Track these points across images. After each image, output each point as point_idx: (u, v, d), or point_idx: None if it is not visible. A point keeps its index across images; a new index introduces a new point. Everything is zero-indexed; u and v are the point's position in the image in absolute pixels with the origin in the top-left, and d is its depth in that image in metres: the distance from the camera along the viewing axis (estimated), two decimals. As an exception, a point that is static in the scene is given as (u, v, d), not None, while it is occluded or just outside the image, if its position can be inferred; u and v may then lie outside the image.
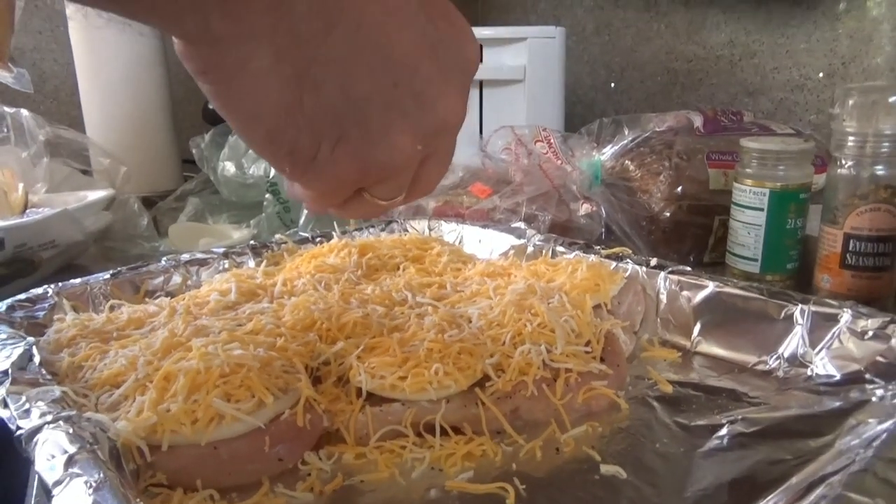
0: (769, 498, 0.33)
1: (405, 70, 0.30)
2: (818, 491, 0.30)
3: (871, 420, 0.39)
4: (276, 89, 0.29)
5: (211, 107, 1.10)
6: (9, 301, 0.53)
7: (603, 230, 0.75)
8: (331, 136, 0.31)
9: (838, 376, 0.46)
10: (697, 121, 0.79)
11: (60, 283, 0.56)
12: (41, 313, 0.53)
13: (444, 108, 0.31)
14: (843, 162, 0.58)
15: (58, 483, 0.30)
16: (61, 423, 0.34)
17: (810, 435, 0.40)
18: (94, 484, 0.29)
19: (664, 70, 1.17)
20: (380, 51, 0.29)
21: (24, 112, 0.90)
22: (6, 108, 0.90)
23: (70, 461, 0.31)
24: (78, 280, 0.58)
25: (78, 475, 0.30)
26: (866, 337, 0.45)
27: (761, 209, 0.63)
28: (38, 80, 1.26)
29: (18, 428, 0.35)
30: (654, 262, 0.58)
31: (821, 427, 0.41)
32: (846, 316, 0.46)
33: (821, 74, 0.97)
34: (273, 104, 0.29)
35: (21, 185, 0.80)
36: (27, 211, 0.77)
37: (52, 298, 0.55)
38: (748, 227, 0.64)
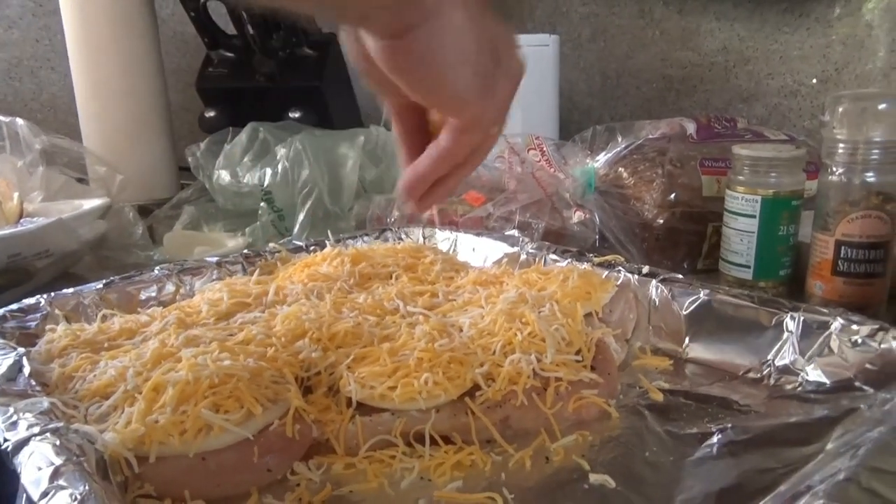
0: (756, 507, 0.33)
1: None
2: (803, 500, 0.30)
3: (859, 428, 0.39)
4: (470, 36, 0.36)
5: (208, 115, 1.11)
6: (1, 311, 0.53)
7: (597, 237, 0.75)
8: (496, 63, 0.38)
9: (828, 384, 0.46)
10: (691, 128, 0.79)
11: (53, 293, 0.57)
12: (33, 323, 0.53)
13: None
14: (834, 169, 0.58)
15: (43, 496, 0.30)
16: (48, 435, 0.34)
17: (800, 443, 0.40)
18: (79, 496, 0.30)
19: (659, 76, 1.17)
20: None
21: (20, 121, 0.90)
22: (2, 118, 0.90)
23: (56, 473, 0.31)
24: (70, 290, 0.58)
25: (63, 487, 0.30)
26: (857, 345, 0.45)
27: (753, 216, 0.63)
28: (35, 89, 1.27)
29: (5, 440, 0.35)
30: (645, 269, 0.58)
31: (810, 435, 0.41)
32: (836, 323, 0.46)
33: (814, 80, 0.98)
34: (472, 48, 0.36)
35: (16, 195, 0.81)
36: (22, 220, 0.78)
37: (45, 308, 0.55)
38: (741, 234, 0.64)
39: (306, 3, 0.36)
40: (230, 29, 1.09)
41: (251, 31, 1.04)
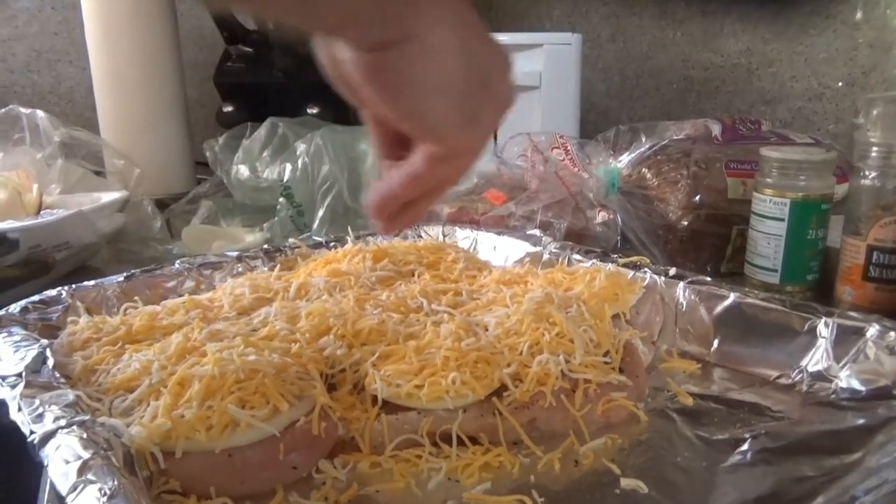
0: (797, 517, 0.32)
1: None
2: (850, 511, 0.29)
3: (900, 437, 0.38)
4: (458, 60, 0.33)
5: (226, 110, 1.11)
6: (22, 302, 0.52)
7: (619, 238, 0.74)
8: (484, 90, 0.35)
9: (864, 391, 0.45)
10: (716, 129, 0.78)
11: (74, 285, 0.56)
12: (55, 315, 0.53)
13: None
14: (867, 173, 0.57)
15: (72, 490, 0.30)
16: (75, 427, 0.34)
17: (836, 452, 0.39)
18: (108, 491, 0.29)
19: (680, 78, 1.16)
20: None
21: (40, 113, 0.90)
22: (22, 109, 0.90)
23: (84, 467, 0.31)
24: (91, 282, 0.57)
25: (92, 482, 0.30)
26: (894, 352, 0.44)
27: (782, 219, 0.62)
28: (53, 82, 1.27)
29: (31, 432, 0.34)
30: (672, 271, 0.57)
31: (847, 444, 0.40)
32: (873, 330, 0.45)
33: (840, 83, 0.96)
34: (460, 73, 0.33)
35: (36, 186, 0.80)
36: (41, 212, 0.77)
37: (66, 300, 0.54)
38: (768, 238, 0.63)
39: (277, 10, 0.32)
40: (249, 24, 1.08)
41: (270, 25, 1.04)
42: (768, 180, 0.63)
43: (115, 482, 0.30)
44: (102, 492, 0.29)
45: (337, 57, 0.34)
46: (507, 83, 0.37)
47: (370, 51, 0.31)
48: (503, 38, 0.99)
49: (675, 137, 0.77)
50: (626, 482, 0.38)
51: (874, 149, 0.56)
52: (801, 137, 0.81)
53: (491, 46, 0.36)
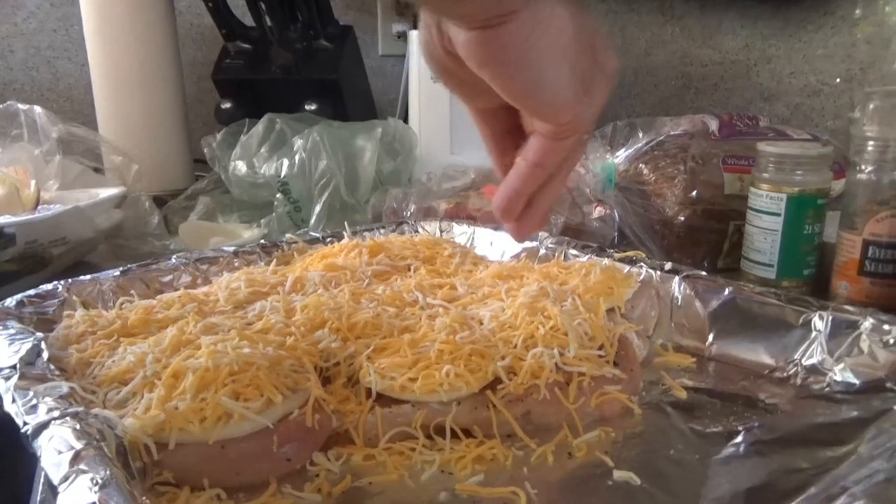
0: (788, 507, 0.33)
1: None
2: (839, 501, 0.29)
3: (893, 429, 0.38)
4: (570, 29, 0.32)
5: (224, 107, 1.11)
6: (18, 296, 0.52)
7: (616, 234, 0.74)
8: (594, 61, 0.35)
9: (858, 384, 0.45)
10: (713, 125, 0.78)
11: (70, 280, 0.56)
12: (51, 309, 0.53)
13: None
14: (863, 167, 0.57)
15: (63, 479, 0.30)
16: (68, 419, 0.34)
17: (830, 444, 0.39)
18: (99, 481, 0.29)
19: (678, 74, 1.16)
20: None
21: (38, 109, 0.90)
22: (20, 106, 0.90)
23: (76, 458, 0.31)
24: (88, 277, 0.57)
25: (84, 472, 0.30)
26: (888, 345, 0.44)
27: (778, 214, 0.62)
28: (52, 78, 1.27)
29: (25, 423, 0.34)
30: (668, 266, 0.57)
31: (841, 436, 0.40)
32: (867, 323, 0.45)
33: (838, 80, 0.96)
34: (573, 43, 0.33)
35: (33, 182, 0.80)
36: (39, 207, 0.78)
37: (62, 294, 0.54)
38: (764, 233, 0.63)
39: None
40: (248, 20, 1.08)
41: (269, 22, 1.04)
42: (765, 175, 0.63)
43: (108, 472, 0.30)
44: (94, 482, 0.29)
45: (446, 44, 0.33)
46: (611, 54, 0.36)
47: (484, 28, 0.30)
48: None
49: (672, 133, 0.76)
50: (619, 474, 0.38)
51: (870, 143, 0.56)
52: (798, 133, 0.81)
53: (590, 18, 0.35)
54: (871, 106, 0.56)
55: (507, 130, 0.39)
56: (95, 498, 0.28)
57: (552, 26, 0.31)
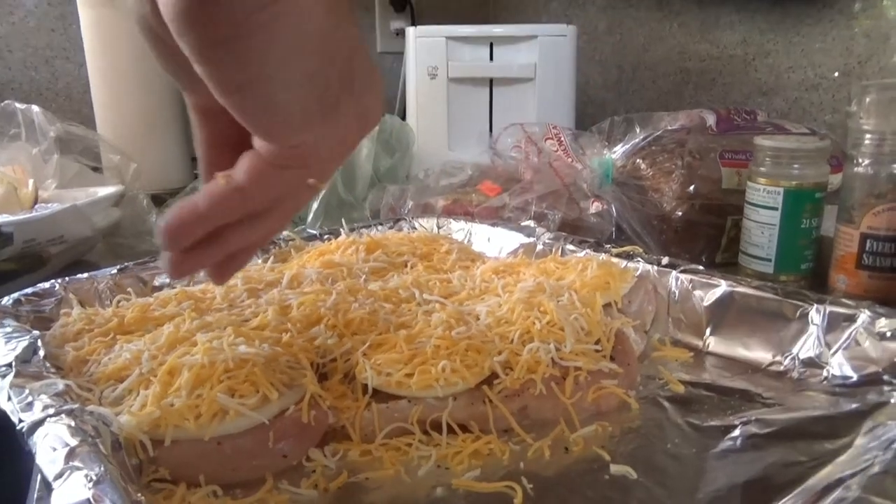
0: (784, 500, 0.32)
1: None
2: (836, 493, 0.29)
3: (889, 422, 0.38)
4: (320, 33, 0.26)
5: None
6: (15, 295, 0.52)
7: (613, 229, 0.74)
8: (346, 85, 0.28)
9: (855, 377, 0.45)
10: (710, 119, 0.78)
11: (67, 278, 0.56)
12: (48, 308, 0.53)
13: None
14: (860, 160, 0.57)
15: (58, 476, 0.30)
16: (63, 416, 0.34)
17: (826, 437, 0.39)
18: (94, 477, 0.29)
19: (676, 70, 1.16)
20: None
21: (36, 108, 0.90)
22: (17, 105, 0.90)
23: (71, 454, 0.31)
24: (85, 275, 0.57)
25: (78, 468, 0.30)
26: (885, 338, 0.44)
27: (776, 208, 0.62)
28: (50, 78, 1.26)
29: (20, 421, 0.34)
30: (665, 260, 0.57)
31: (837, 429, 0.40)
32: (864, 316, 0.45)
33: (836, 74, 0.96)
34: (321, 49, 0.26)
35: (31, 181, 0.80)
36: (36, 206, 0.78)
37: (59, 293, 0.54)
38: (762, 227, 0.63)
39: None
40: None
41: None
42: (762, 169, 0.63)
43: (102, 469, 0.30)
44: (89, 478, 0.29)
45: (156, 8, 0.25)
46: (375, 95, 0.29)
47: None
48: (498, 29, 0.99)
49: (669, 128, 0.77)
50: (615, 468, 0.38)
51: (867, 136, 0.56)
52: (796, 128, 0.81)
53: (362, 43, 0.28)
54: (868, 99, 0.56)
55: (228, 142, 0.30)
56: (90, 494, 0.28)
57: (297, 19, 0.24)
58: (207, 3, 0.23)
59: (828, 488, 0.30)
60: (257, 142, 0.28)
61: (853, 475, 0.31)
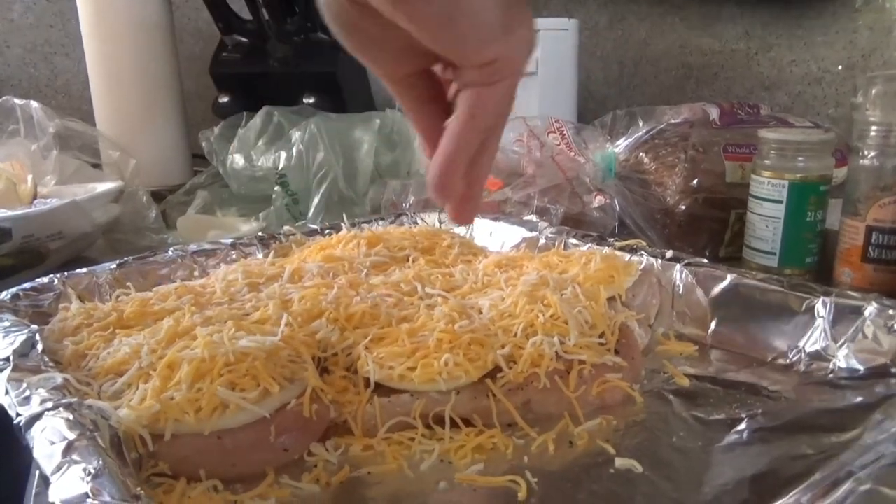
0: (793, 493, 0.32)
1: None
2: (845, 486, 0.29)
3: (898, 415, 0.38)
4: None
5: (222, 101, 1.10)
6: (14, 290, 0.52)
7: (616, 223, 0.74)
8: (514, 7, 0.32)
9: (862, 370, 0.44)
10: (714, 113, 0.77)
11: (66, 273, 0.56)
12: (46, 302, 0.52)
13: None
14: (866, 152, 0.56)
15: (56, 470, 0.29)
16: (61, 409, 0.34)
17: (834, 430, 0.39)
18: (92, 471, 0.29)
19: (678, 64, 1.15)
20: None
21: (34, 104, 0.90)
22: (16, 101, 0.90)
23: (69, 448, 0.30)
24: (84, 270, 0.57)
25: (76, 462, 0.29)
26: (892, 330, 0.43)
27: (780, 201, 0.61)
28: (50, 74, 1.26)
29: (18, 415, 0.34)
30: (669, 254, 0.57)
31: (845, 422, 0.39)
32: (871, 308, 0.45)
33: (840, 67, 0.95)
34: None
35: (30, 177, 0.80)
36: (35, 202, 0.77)
37: (58, 288, 0.54)
38: (766, 220, 0.62)
39: None
40: (245, 13, 1.08)
41: (266, 15, 1.03)
42: (766, 162, 0.62)
43: (100, 462, 0.29)
44: (87, 472, 0.29)
45: None
46: (531, 23, 0.33)
47: None
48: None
49: (672, 122, 0.76)
50: (620, 462, 0.38)
51: (873, 128, 0.56)
52: (800, 121, 0.80)
53: None
54: (874, 91, 0.55)
55: (430, 100, 0.35)
56: (88, 488, 0.28)
57: None
58: None
59: (837, 481, 0.30)
60: (465, 75, 0.32)
61: (863, 468, 0.30)
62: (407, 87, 0.35)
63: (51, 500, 0.28)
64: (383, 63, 0.34)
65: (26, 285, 0.53)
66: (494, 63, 0.32)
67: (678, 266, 0.55)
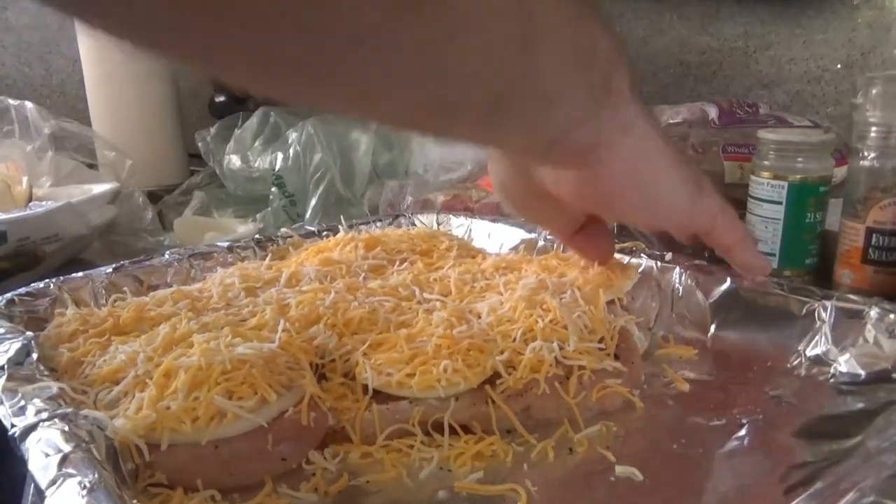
0: (795, 502, 0.32)
1: None
2: (849, 497, 0.28)
3: (900, 421, 0.38)
4: (666, 149, 0.35)
5: (218, 100, 1.09)
6: (8, 295, 0.51)
7: (615, 225, 0.73)
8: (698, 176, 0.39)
9: (864, 375, 0.44)
10: (712, 112, 0.77)
11: (62, 277, 0.55)
12: (41, 308, 0.52)
13: None
14: (866, 153, 0.56)
15: (51, 483, 0.29)
16: (57, 420, 0.33)
17: (835, 436, 0.39)
18: (87, 485, 0.28)
19: (676, 62, 1.15)
20: None
21: (29, 105, 0.89)
22: (10, 101, 0.89)
23: (64, 461, 0.30)
24: (80, 274, 0.56)
25: (72, 475, 0.29)
26: (894, 335, 0.43)
27: (779, 202, 0.61)
28: (44, 74, 1.25)
29: (13, 426, 0.34)
30: (668, 256, 0.56)
31: (846, 428, 0.39)
32: (873, 313, 0.45)
33: (839, 66, 0.95)
34: (669, 147, 0.36)
35: (25, 179, 0.79)
36: (31, 204, 0.77)
37: (54, 293, 0.53)
38: (765, 221, 0.62)
39: (461, 129, 0.30)
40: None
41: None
42: (765, 163, 0.62)
43: (96, 475, 0.29)
44: (82, 485, 0.28)
45: (532, 187, 0.35)
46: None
47: (587, 162, 0.32)
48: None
49: (671, 122, 0.76)
50: (621, 469, 0.37)
51: (873, 129, 0.55)
52: (799, 120, 0.80)
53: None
54: (874, 91, 0.55)
55: (581, 228, 0.43)
56: (83, 502, 0.27)
57: (651, 141, 0.33)
58: (601, 178, 0.33)
59: (841, 492, 0.30)
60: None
61: (867, 478, 0.30)
62: (564, 227, 0.44)
63: (46, 514, 0.27)
64: (557, 227, 0.43)
65: (21, 290, 0.53)
66: (688, 223, 0.38)
67: (678, 269, 0.55)
